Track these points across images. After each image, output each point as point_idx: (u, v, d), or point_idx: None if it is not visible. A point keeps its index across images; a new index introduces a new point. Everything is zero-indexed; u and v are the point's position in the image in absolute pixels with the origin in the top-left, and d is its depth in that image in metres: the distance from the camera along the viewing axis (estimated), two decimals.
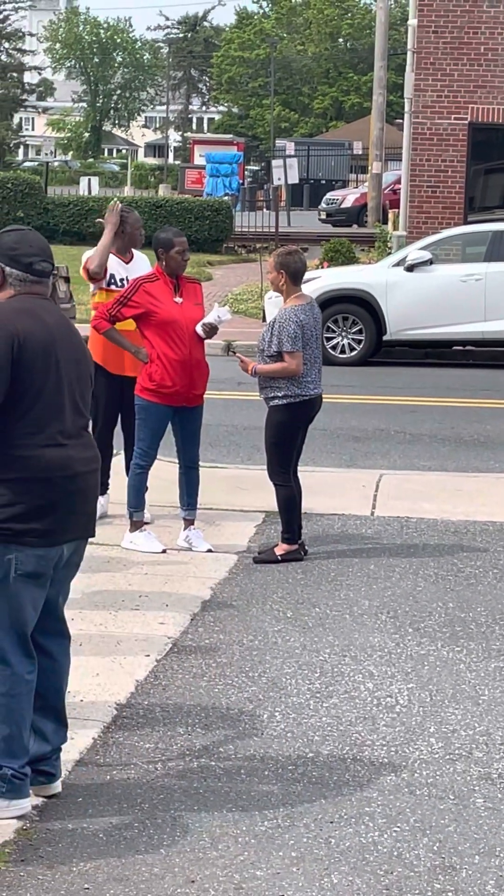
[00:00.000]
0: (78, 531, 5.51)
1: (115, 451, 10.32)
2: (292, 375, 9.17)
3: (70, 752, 5.94)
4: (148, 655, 7.27)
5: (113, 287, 9.94)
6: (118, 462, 10.30)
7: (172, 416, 9.38)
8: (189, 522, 9.52)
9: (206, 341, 9.39)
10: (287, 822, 5.47)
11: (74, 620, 7.72)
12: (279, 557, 9.20)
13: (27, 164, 72.61)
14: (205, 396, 9.52)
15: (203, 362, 9.36)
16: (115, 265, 10.03)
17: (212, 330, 9.25)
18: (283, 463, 9.36)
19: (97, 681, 6.83)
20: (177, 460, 9.67)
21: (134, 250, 10.20)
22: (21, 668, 5.38)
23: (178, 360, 9.21)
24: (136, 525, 9.42)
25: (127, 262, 10.07)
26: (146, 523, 9.57)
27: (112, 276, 10.01)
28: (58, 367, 5.37)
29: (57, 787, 5.61)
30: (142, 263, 10.14)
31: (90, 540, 9.48)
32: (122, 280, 9.94)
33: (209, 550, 9.37)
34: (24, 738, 5.38)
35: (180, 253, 9.24)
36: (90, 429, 9.99)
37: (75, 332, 5.56)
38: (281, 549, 9.27)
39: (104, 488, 10.18)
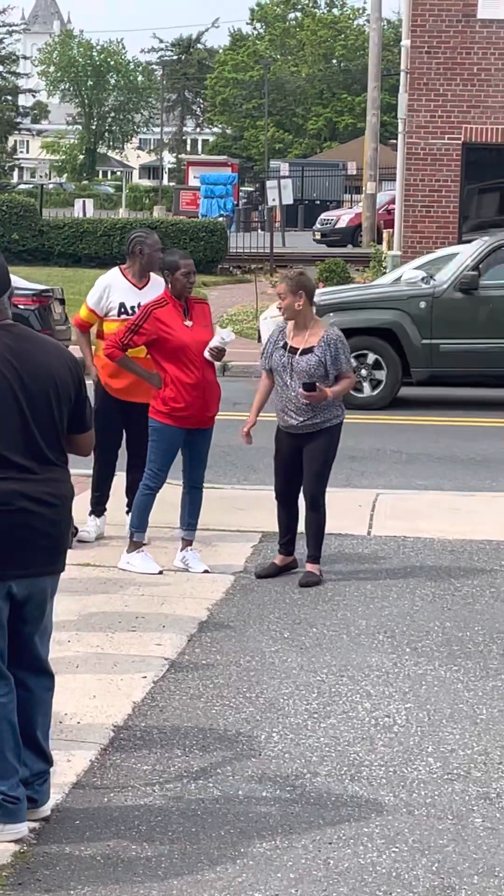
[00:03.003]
0: (27, 568, 5.32)
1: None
2: (351, 389, 9.29)
3: (67, 775, 5.93)
4: (145, 677, 7.25)
5: (124, 316, 9.85)
6: (116, 484, 10.28)
7: (185, 437, 9.36)
8: (187, 543, 9.50)
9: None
10: (285, 844, 5.45)
11: (71, 642, 7.71)
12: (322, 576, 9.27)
13: (22, 186, 72.65)
14: None
15: (215, 384, 9.35)
16: (125, 292, 9.92)
17: (219, 353, 9.23)
18: (327, 483, 9.38)
19: (94, 703, 6.81)
20: (177, 482, 9.64)
21: (152, 274, 10.06)
22: None
23: (191, 384, 9.19)
24: (135, 545, 9.40)
25: (140, 288, 9.92)
26: (144, 544, 9.57)
27: (122, 304, 9.92)
28: (13, 397, 5.23)
29: (45, 811, 5.55)
30: (159, 288, 9.87)
31: (87, 561, 9.51)
32: (132, 308, 9.84)
33: (206, 571, 9.35)
34: (8, 760, 5.33)
35: (185, 275, 9.20)
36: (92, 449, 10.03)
37: (42, 354, 5.35)
38: (316, 567, 9.28)
39: (101, 510, 10.17)
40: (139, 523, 9.41)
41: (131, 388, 9.83)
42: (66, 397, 5.39)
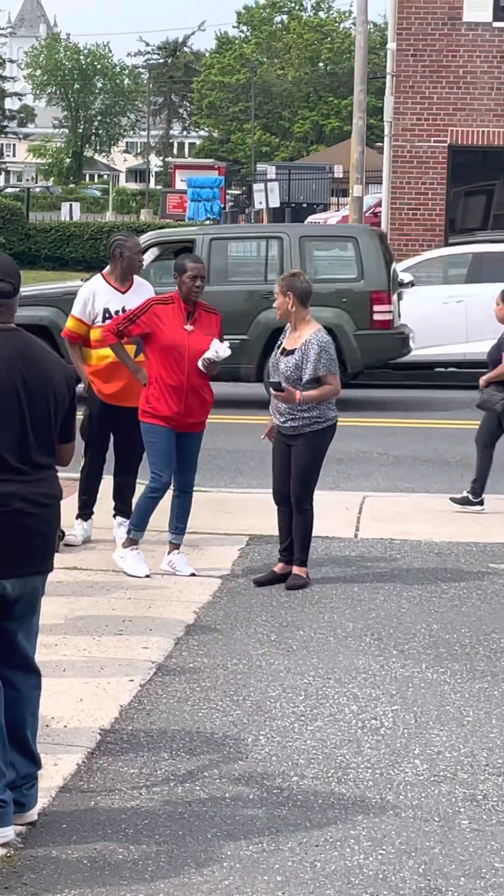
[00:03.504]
0: (21, 568, 5.37)
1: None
2: (335, 396, 9.21)
3: (54, 779, 5.93)
4: (132, 680, 7.25)
5: (109, 321, 9.87)
6: (104, 488, 10.28)
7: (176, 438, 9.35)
8: (174, 546, 9.51)
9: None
10: (272, 846, 5.45)
11: (58, 646, 7.71)
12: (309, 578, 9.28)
13: (9, 190, 72.62)
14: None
15: (202, 391, 9.30)
16: (108, 298, 9.91)
17: (211, 365, 9.21)
18: (314, 487, 9.37)
19: (81, 706, 6.81)
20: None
21: (136, 277, 10.08)
22: None
23: (173, 386, 9.19)
24: (131, 542, 9.40)
25: (124, 292, 9.93)
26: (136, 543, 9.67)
27: (106, 309, 9.92)
28: (17, 400, 5.30)
29: (32, 815, 5.55)
30: (143, 291, 9.96)
31: (74, 565, 9.50)
32: (116, 312, 9.85)
33: (193, 574, 9.36)
34: None
35: (192, 278, 9.16)
36: (83, 451, 10.07)
37: (44, 361, 5.44)
38: (303, 570, 9.28)
39: (88, 513, 10.17)
40: (137, 522, 9.41)
41: (121, 393, 9.85)
42: (61, 406, 5.48)
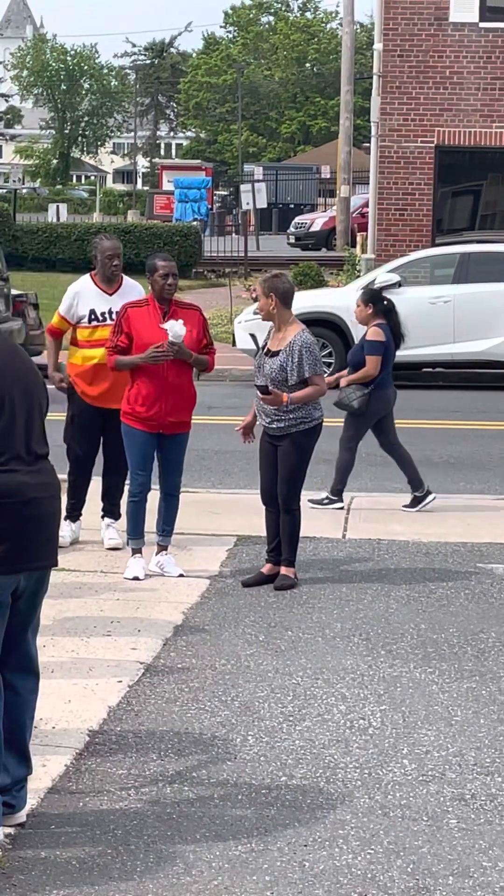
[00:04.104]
0: (36, 560, 5.37)
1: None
2: (321, 396, 9.21)
3: (42, 780, 5.93)
4: (120, 681, 7.26)
5: (95, 322, 9.87)
6: (93, 489, 10.27)
7: (157, 441, 9.33)
8: (162, 548, 9.51)
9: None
10: (261, 846, 5.46)
11: (46, 647, 7.70)
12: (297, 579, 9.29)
13: None
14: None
15: (185, 390, 9.28)
16: (94, 299, 9.91)
17: (171, 347, 9.14)
18: (301, 487, 9.37)
19: (69, 707, 6.82)
20: (156, 486, 9.63)
21: (126, 279, 10.04)
22: None
23: (152, 386, 9.19)
24: (134, 551, 9.37)
25: (111, 293, 9.92)
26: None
27: (92, 310, 9.91)
28: (9, 393, 5.34)
29: (21, 816, 5.55)
30: (131, 292, 9.92)
31: (63, 566, 9.50)
32: (103, 314, 9.85)
33: (181, 575, 9.36)
34: None
35: (164, 276, 9.16)
36: (66, 454, 10.07)
37: (23, 356, 5.49)
38: (291, 571, 9.28)
39: (77, 515, 10.17)
40: (131, 530, 9.41)
41: (107, 394, 9.85)
42: (44, 403, 5.52)
